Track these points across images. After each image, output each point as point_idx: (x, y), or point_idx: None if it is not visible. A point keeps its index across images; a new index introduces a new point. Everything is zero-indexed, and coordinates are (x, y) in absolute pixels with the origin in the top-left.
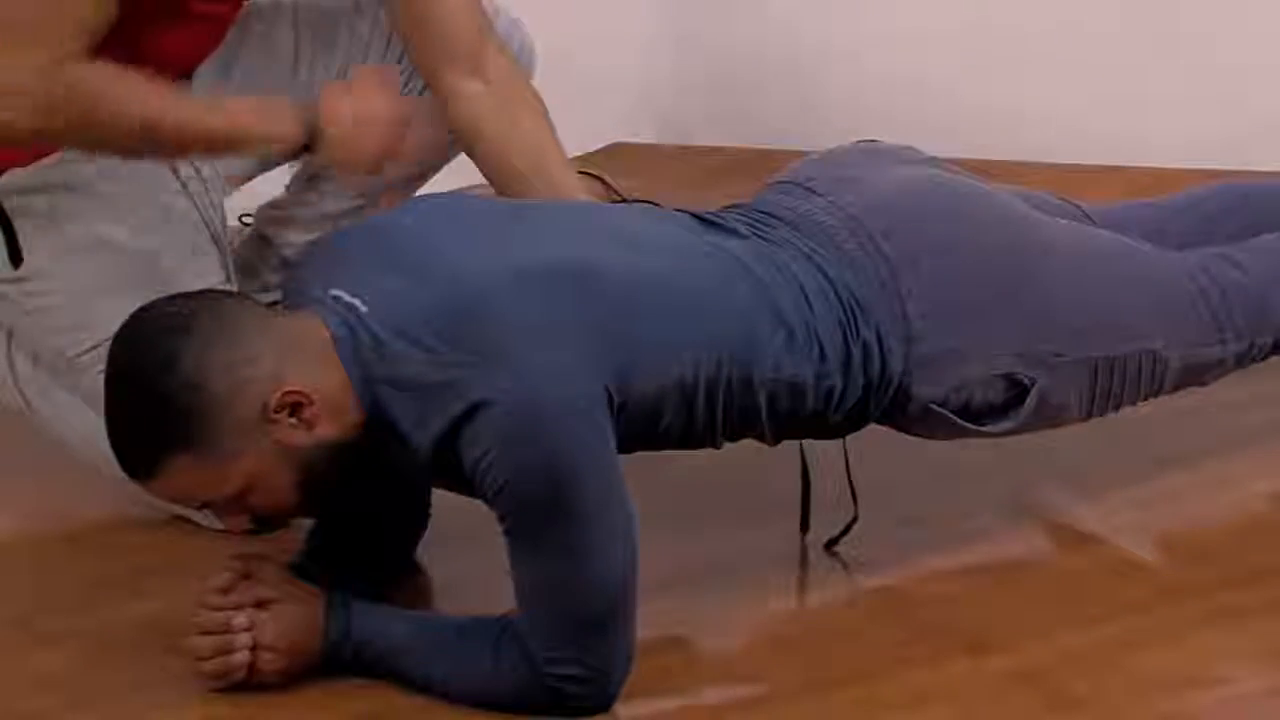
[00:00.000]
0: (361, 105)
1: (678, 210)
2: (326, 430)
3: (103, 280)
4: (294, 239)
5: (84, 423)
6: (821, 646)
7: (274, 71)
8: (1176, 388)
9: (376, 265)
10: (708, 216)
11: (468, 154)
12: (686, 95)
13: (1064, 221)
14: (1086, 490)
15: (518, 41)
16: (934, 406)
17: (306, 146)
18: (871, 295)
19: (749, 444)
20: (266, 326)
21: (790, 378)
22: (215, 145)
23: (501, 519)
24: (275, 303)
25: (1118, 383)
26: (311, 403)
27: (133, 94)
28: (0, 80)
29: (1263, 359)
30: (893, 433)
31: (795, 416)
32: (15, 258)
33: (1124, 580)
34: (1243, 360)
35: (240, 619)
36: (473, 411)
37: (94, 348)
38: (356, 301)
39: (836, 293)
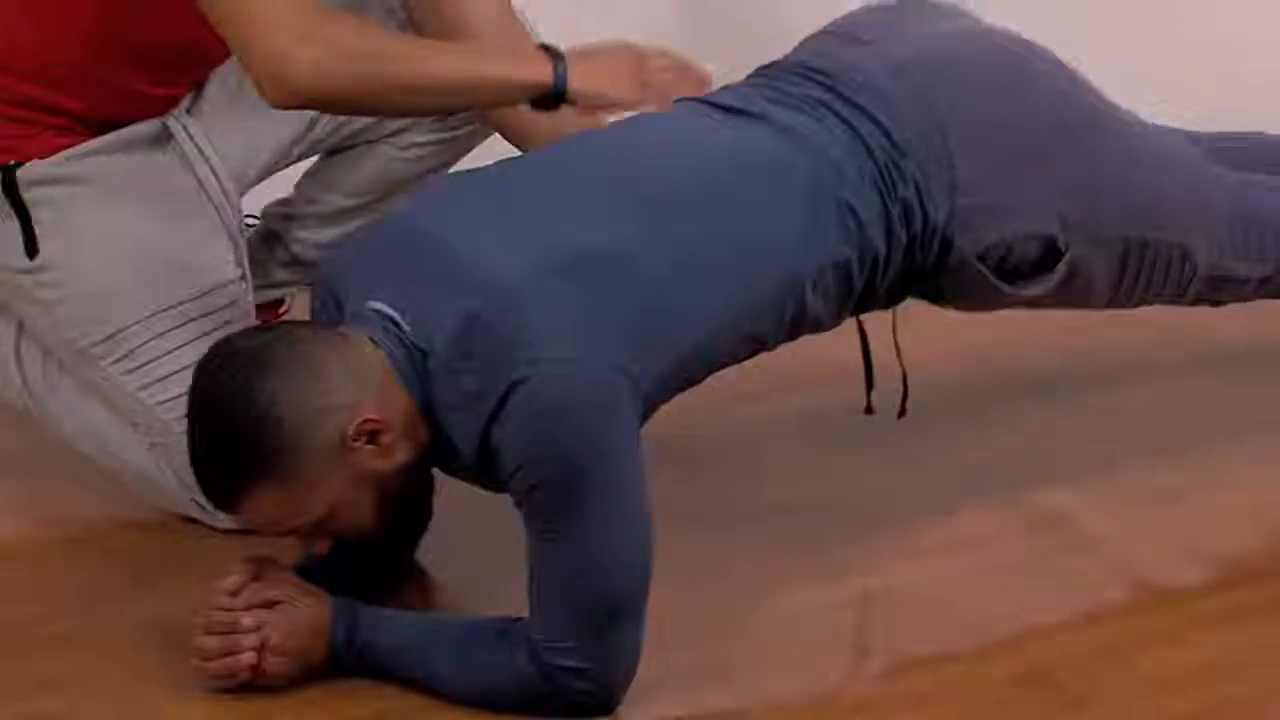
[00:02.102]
0: (601, 49)
1: (696, 103)
2: (404, 453)
3: (117, 273)
4: (304, 236)
5: (92, 420)
6: (821, 649)
7: None
8: (1196, 299)
9: (409, 271)
10: (728, 104)
11: (511, 141)
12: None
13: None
14: (1087, 490)
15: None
16: (972, 260)
17: (558, 97)
18: (915, 148)
19: (747, 444)
20: (340, 356)
21: (833, 262)
22: (480, 94)
23: (519, 503)
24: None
25: (1145, 271)
26: (389, 429)
27: (392, 47)
28: (270, 53)
29: None
30: (892, 433)
31: (847, 293)
32: (31, 248)
33: (1125, 581)
34: (1263, 286)
35: (247, 620)
36: (503, 400)
37: (106, 340)
38: (399, 317)
39: (870, 152)
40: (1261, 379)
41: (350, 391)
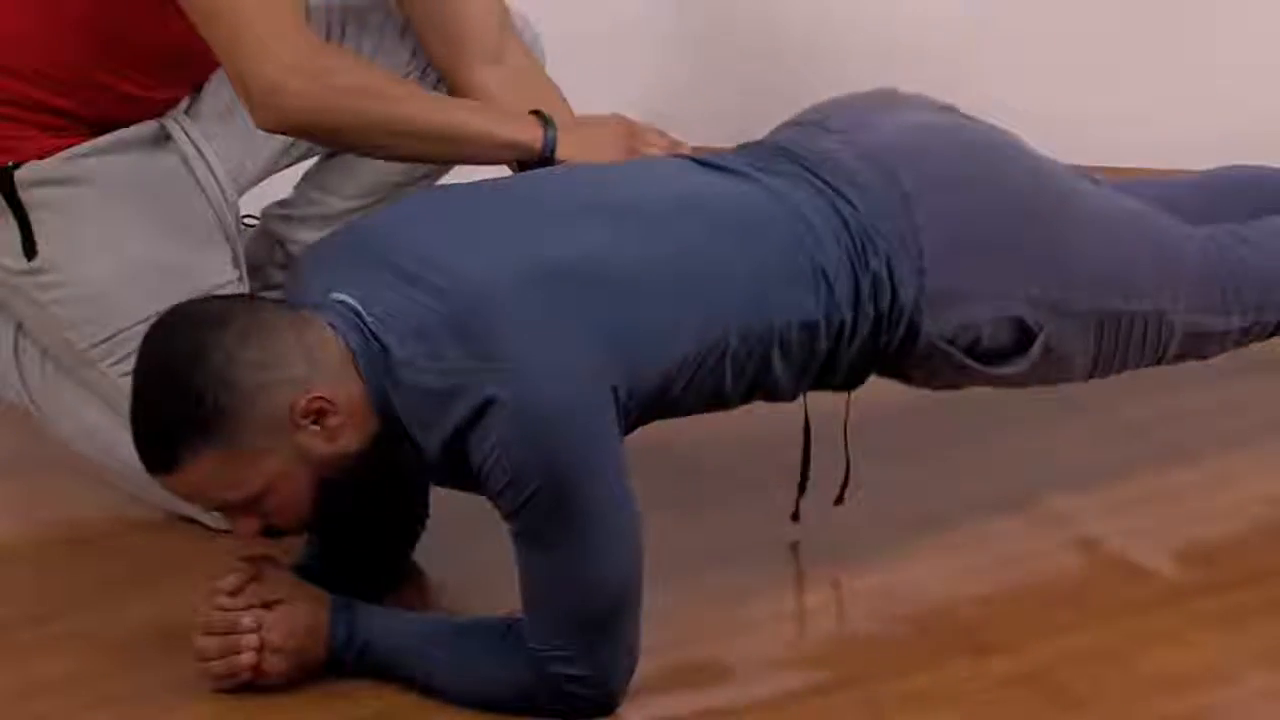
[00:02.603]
0: (594, 119)
1: (678, 157)
2: (348, 440)
3: (116, 274)
4: (303, 238)
5: (91, 421)
6: (823, 648)
7: None
8: (1179, 357)
9: (377, 268)
10: (711, 161)
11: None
12: (685, 95)
13: (1088, 181)
14: (1087, 490)
15: (528, 40)
16: (941, 343)
17: (543, 159)
18: (884, 227)
19: (748, 442)
20: (298, 335)
21: (801, 320)
22: (462, 144)
23: (508, 517)
24: (280, 302)
25: (1123, 341)
26: (336, 412)
27: (385, 88)
28: (260, 80)
29: (1265, 337)
30: (893, 433)
31: (810, 358)
32: (30, 250)
33: (1125, 581)
34: (1245, 336)
35: (247, 620)
36: (480, 412)
37: (105, 341)
38: (360, 308)
39: (846, 225)
40: (1261, 378)
41: (303, 369)
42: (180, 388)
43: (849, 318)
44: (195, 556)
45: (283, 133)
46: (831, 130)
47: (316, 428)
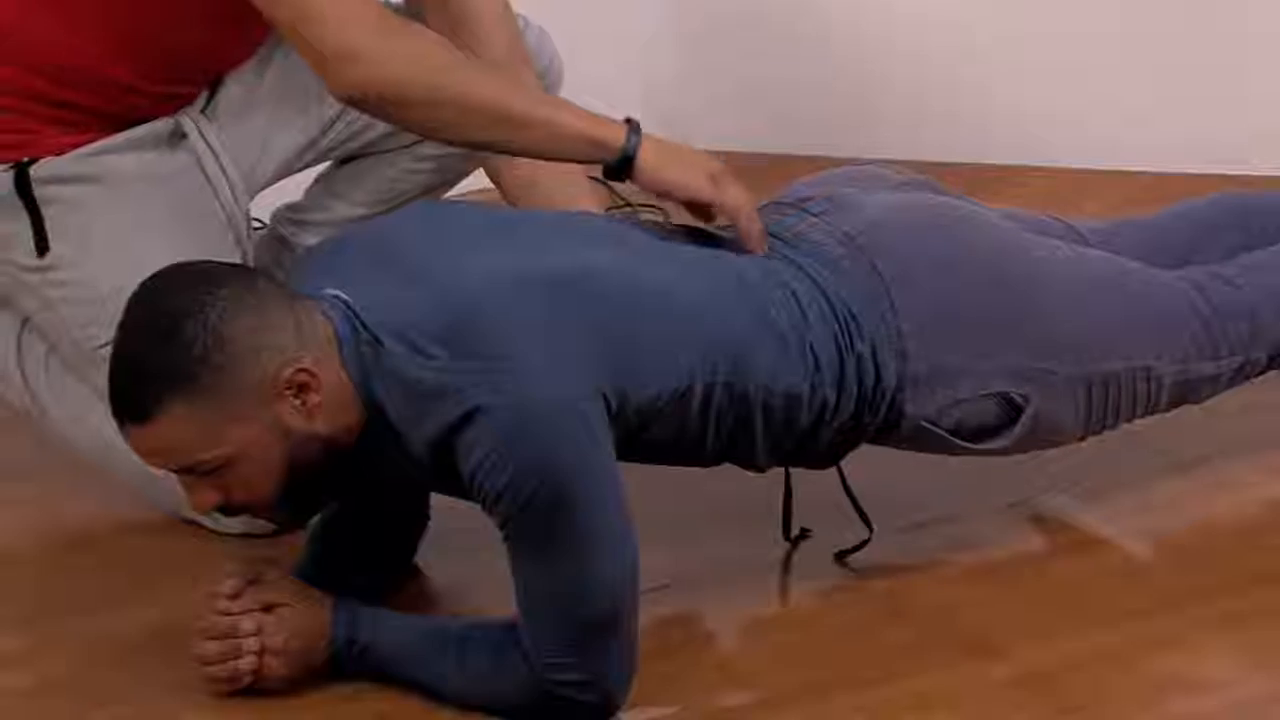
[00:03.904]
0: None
1: (678, 225)
2: (324, 424)
3: (126, 274)
4: (311, 242)
5: (96, 421)
6: (823, 651)
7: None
8: (1171, 405)
9: (373, 268)
10: (705, 230)
11: (487, 171)
12: (687, 98)
13: (1058, 243)
14: (1087, 493)
15: (547, 55)
16: (926, 424)
17: (621, 163)
18: (865, 311)
19: None
20: (291, 311)
21: (785, 389)
22: (535, 130)
23: (501, 525)
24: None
25: (1112, 401)
26: (318, 390)
27: (467, 67)
28: (334, 45)
29: (1258, 375)
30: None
31: (790, 430)
32: (41, 246)
33: (1126, 585)
34: (1237, 377)
35: (248, 623)
36: (469, 417)
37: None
38: (357, 305)
39: (831, 306)
40: (1265, 387)
41: (293, 341)
42: (171, 336)
43: (833, 397)
44: (196, 559)
45: (354, 101)
46: (811, 214)
47: (298, 401)
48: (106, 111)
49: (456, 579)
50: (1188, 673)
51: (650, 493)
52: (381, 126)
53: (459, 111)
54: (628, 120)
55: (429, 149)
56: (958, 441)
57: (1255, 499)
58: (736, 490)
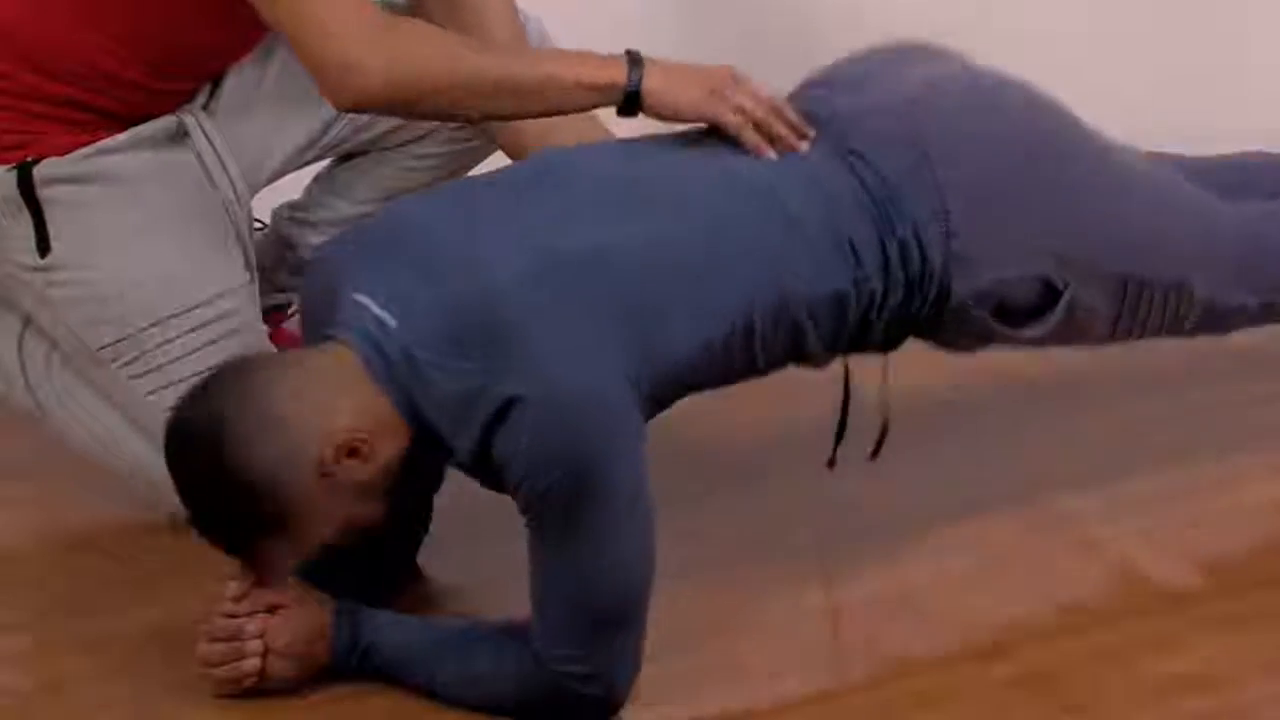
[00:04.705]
0: (688, 64)
1: (694, 134)
2: (386, 452)
3: (128, 276)
4: (313, 241)
5: (99, 421)
6: (824, 652)
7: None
8: (1195, 330)
9: (398, 265)
10: (727, 134)
11: (509, 154)
12: None
13: (1113, 142)
14: (1089, 492)
15: (533, 32)
16: (970, 305)
17: (629, 100)
18: (909, 190)
19: (747, 446)
20: (299, 385)
21: (829, 292)
22: (549, 94)
23: (524, 509)
24: (281, 306)
25: (1144, 306)
26: (364, 439)
27: (463, 53)
28: (331, 60)
29: None
30: (894, 435)
31: (841, 327)
32: (43, 247)
33: (1126, 585)
34: (1264, 315)
35: (252, 625)
36: (504, 410)
37: (116, 342)
38: (385, 315)
39: (869, 193)
40: (1266, 384)
41: (316, 421)
42: (216, 509)
43: (879, 287)
44: (198, 560)
45: (361, 111)
46: (851, 90)
47: (353, 460)
48: (110, 110)
49: (457, 581)
50: (1188, 673)
51: (657, 494)
52: (382, 124)
53: (467, 94)
54: (628, 53)
55: (429, 147)
56: (997, 326)
57: (1257, 499)
58: (738, 486)
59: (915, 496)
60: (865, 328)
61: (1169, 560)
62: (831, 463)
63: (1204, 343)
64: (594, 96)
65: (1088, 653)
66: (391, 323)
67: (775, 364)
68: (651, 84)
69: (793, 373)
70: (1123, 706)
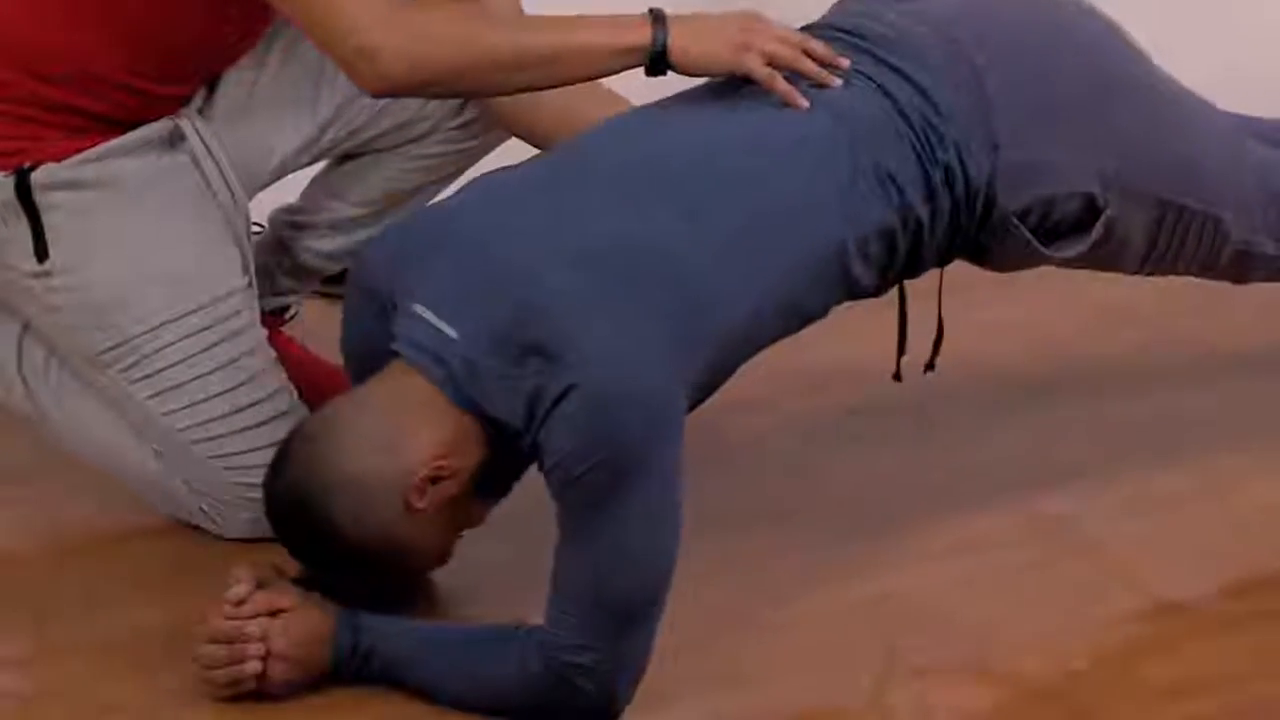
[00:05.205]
0: (710, 14)
1: (718, 88)
2: (469, 461)
3: (127, 281)
4: (312, 244)
5: (98, 426)
6: (824, 657)
7: (305, 73)
8: (1222, 273)
9: (450, 271)
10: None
11: (514, 131)
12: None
13: (1160, 69)
14: (1087, 494)
15: None
16: (1012, 220)
17: (656, 59)
18: (955, 103)
19: (751, 449)
20: (367, 431)
21: (875, 229)
22: (578, 64)
23: (558, 494)
24: (280, 309)
25: (1179, 236)
26: (442, 463)
27: (484, 28)
28: (352, 47)
29: None
30: (896, 438)
31: (891, 258)
32: (41, 252)
33: (1126, 588)
34: None
35: (253, 628)
36: (559, 399)
37: (115, 347)
38: (446, 327)
39: (907, 118)
40: (1264, 386)
41: (392, 465)
42: (338, 567)
43: (925, 214)
44: (199, 563)
45: (389, 95)
46: (893, 6)
47: (439, 484)
48: (107, 115)
49: (459, 585)
50: (1188, 676)
51: None
52: (379, 125)
53: (492, 69)
54: (651, 11)
55: (426, 147)
56: (1037, 245)
57: (1255, 501)
58: (742, 490)
59: (915, 500)
60: (916, 253)
61: (1170, 563)
62: (897, 375)
63: (1202, 345)
64: (621, 60)
65: (1090, 656)
66: (453, 334)
67: (832, 305)
68: (677, 42)
69: (799, 369)
70: (1125, 711)
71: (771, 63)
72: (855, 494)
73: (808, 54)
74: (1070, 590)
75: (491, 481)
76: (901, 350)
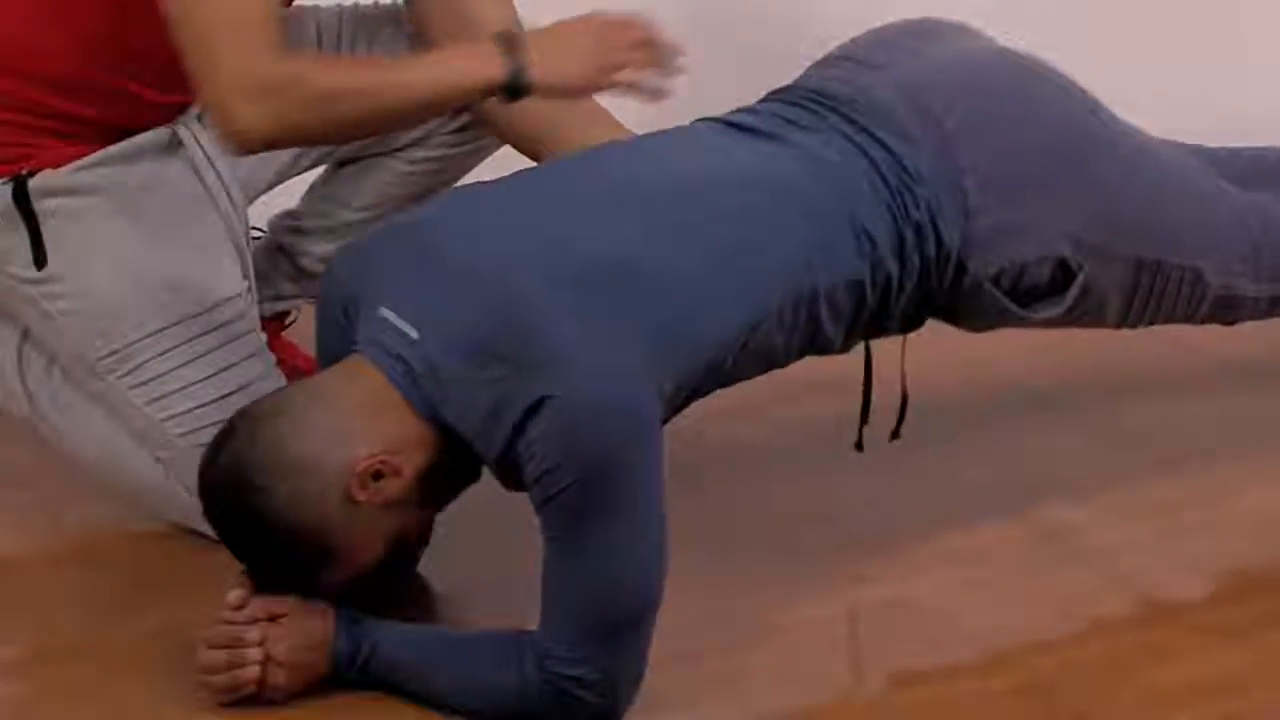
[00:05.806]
0: (566, 28)
1: (705, 122)
2: (415, 464)
3: (125, 288)
4: (311, 249)
5: (98, 432)
6: (824, 662)
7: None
8: (1207, 318)
9: (419, 276)
10: (739, 123)
11: (502, 136)
12: (685, 89)
13: (1133, 126)
14: (1087, 500)
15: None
16: (986, 285)
17: (514, 86)
18: (927, 168)
19: (749, 457)
20: (314, 419)
21: (845, 279)
22: (440, 105)
23: (541, 507)
24: (280, 314)
25: (1157, 292)
26: (385, 459)
27: (352, 74)
28: (227, 90)
29: None
30: (894, 446)
31: (859, 311)
32: (40, 259)
33: (1126, 592)
34: (1273, 307)
35: (252, 633)
36: (534, 409)
37: (114, 354)
38: (407, 327)
39: (882, 176)
40: (1262, 392)
41: (335, 454)
42: (263, 555)
43: (894, 270)
44: (199, 568)
45: (248, 153)
46: (869, 66)
47: (381, 482)
48: (106, 122)
49: (458, 589)
50: (1189, 682)
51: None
52: None
53: (359, 127)
54: (502, 36)
55: (426, 151)
56: (1013, 308)
57: (1256, 507)
58: (739, 498)
59: (915, 506)
60: (883, 311)
61: (1169, 568)
62: (859, 445)
63: (1200, 349)
64: (478, 93)
65: (1088, 662)
66: (414, 334)
67: (794, 356)
68: (536, 70)
69: (794, 375)
70: (1123, 714)
71: (628, 73)
72: (855, 501)
73: (657, 50)
74: (1069, 595)
75: (432, 494)
76: (864, 419)
